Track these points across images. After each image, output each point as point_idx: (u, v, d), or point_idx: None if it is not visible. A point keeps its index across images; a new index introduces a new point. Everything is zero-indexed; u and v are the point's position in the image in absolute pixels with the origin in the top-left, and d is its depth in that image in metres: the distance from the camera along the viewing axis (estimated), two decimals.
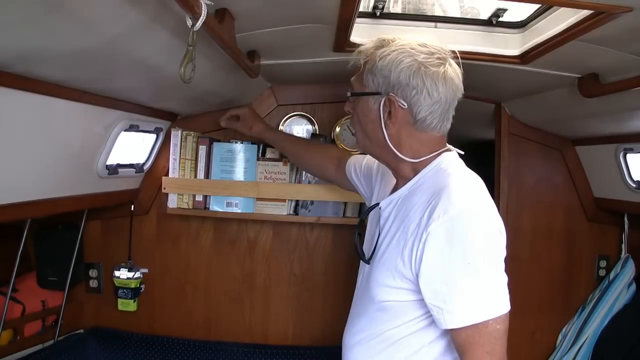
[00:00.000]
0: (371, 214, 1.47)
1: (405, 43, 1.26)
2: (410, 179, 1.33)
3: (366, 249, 1.43)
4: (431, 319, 1.23)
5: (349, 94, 1.38)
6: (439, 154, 1.31)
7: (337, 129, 2.34)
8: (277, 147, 2.13)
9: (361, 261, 1.45)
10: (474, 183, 1.27)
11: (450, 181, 1.23)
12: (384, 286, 1.28)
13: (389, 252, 1.29)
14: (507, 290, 1.17)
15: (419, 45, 1.26)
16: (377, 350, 1.34)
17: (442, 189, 1.20)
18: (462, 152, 1.38)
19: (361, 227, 1.49)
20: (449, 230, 1.15)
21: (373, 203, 1.56)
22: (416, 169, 1.32)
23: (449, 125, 1.32)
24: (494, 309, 1.14)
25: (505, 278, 1.18)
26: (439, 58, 1.26)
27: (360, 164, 1.73)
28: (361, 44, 1.41)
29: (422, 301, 1.22)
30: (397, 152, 1.30)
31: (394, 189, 1.40)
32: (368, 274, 1.37)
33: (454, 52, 1.30)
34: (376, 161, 1.62)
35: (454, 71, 1.28)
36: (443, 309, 1.16)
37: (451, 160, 1.32)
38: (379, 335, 1.33)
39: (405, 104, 1.25)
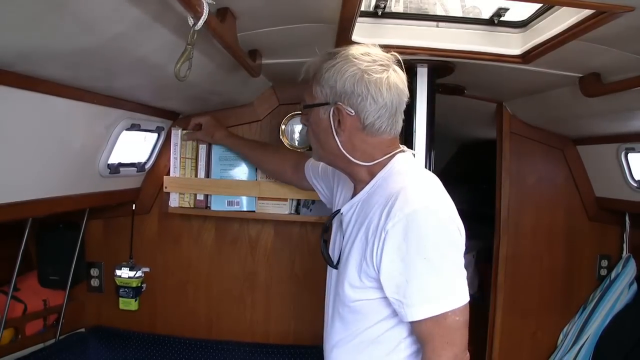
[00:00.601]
0: (334, 220, 1.51)
1: (349, 53, 1.31)
2: (368, 182, 1.37)
3: (332, 254, 1.47)
4: None
5: (301, 106, 1.43)
6: (393, 156, 1.36)
7: None
8: (239, 152, 2.18)
9: (328, 266, 1.49)
10: (429, 182, 1.33)
11: (406, 181, 1.28)
12: (352, 287, 1.32)
13: (353, 254, 1.33)
14: (465, 283, 1.23)
15: (361, 54, 1.30)
16: (357, 351, 1.36)
17: (399, 189, 1.25)
18: (415, 152, 1.43)
19: (326, 234, 1.52)
20: (405, 227, 1.20)
21: (335, 208, 1.60)
22: (372, 172, 1.36)
23: (399, 128, 1.37)
24: (451, 302, 1.20)
25: (463, 272, 1.24)
26: (381, 65, 1.30)
27: (317, 168, 1.78)
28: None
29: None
30: (351, 157, 1.34)
31: (354, 194, 1.44)
32: (337, 278, 1.41)
33: (397, 58, 1.34)
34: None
35: (398, 76, 1.32)
36: (403, 302, 1.22)
37: (405, 160, 1.37)
38: (356, 336, 1.36)
39: (353, 111, 1.30)
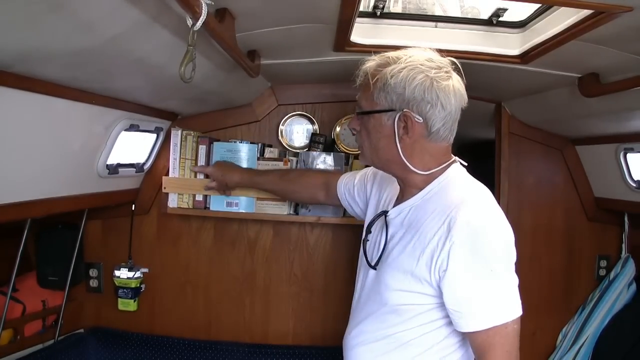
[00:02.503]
0: (377, 221, 1.50)
1: (413, 60, 1.30)
2: (422, 189, 1.37)
3: (371, 254, 1.46)
4: (444, 321, 1.30)
5: (358, 112, 1.41)
6: (449, 165, 1.37)
7: (337, 129, 2.35)
8: (260, 189, 2.13)
9: (361, 266, 1.49)
10: (487, 195, 1.35)
11: (466, 193, 1.31)
12: (399, 290, 1.33)
13: (404, 258, 1.33)
14: (518, 296, 1.27)
15: (426, 60, 1.30)
16: (383, 351, 1.37)
17: (461, 201, 1.27)
18: (466, 164, 1.42)
19: (370, 234, 1.51)
20: (473, 240, 1.22)
21: (370, 212, 1.58)
22: (427, 180, 1.37)
23: (454, 134, 1.38)
24: (512, 311, 1.24)
25: (517, 283, 1.29)
26: (446, 72, 1.31)
27: (353, 183, 1.74)
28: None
29: (440, 305, 1.29)
30: (409, 164, 1.34)
31: (402, 198, 1.43)
32: (375, 278, 1.41)
33: (454, 62, 1.34)
34: (369, 174, 1.67)
35: (459, 82, 1.33)
36: (464, 312, 1.24)
37: (459, 171, 1.39)
38: (387, 337, 1.36)
39: (421, 119, 1.30)
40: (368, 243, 1.50)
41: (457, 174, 1.37)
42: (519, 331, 1.25)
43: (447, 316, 1.29)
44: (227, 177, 2.08)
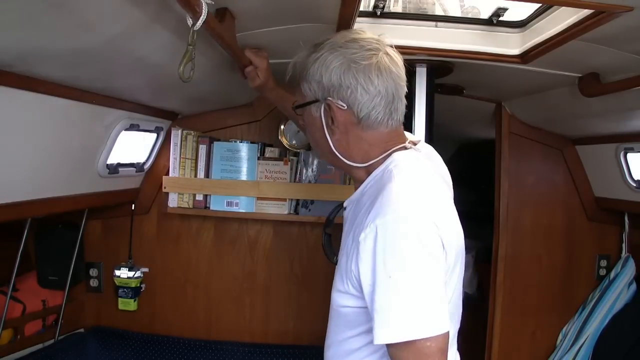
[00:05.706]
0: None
1: (333, 43, 1.19)
2: (364, 181, 1.24)
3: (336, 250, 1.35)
4: None
5: (292, 107, 1.31)
6: (390, 154, 1.21)
7: None
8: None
9: None
10: (415, 187, 1.13)
11: (389, 185, 1.11)
12: (337, 291, 1.20)
13: (342, 256, 1.21)
14: (441, 310, 1.02)
15: (346, 42, 1.18)
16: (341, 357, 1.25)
17: (379, 196, 1.10)
18: (418, 150, 1.26)
19: (329, 228, 1.45)
20: (374, 239, 1.04)
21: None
22: (368, 171, 1.23)
23: (400, 117, 1.23)
24: (421, 329, 0.99)
25: (439, 296, 1.03)
26: (369, 49, 1.17)
27: None
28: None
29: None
30: (345, 159, 1.22)
31: (354, 191, 1.32)
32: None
33: (391, 45, 1.22)
34: None
35: (391, 59, 1.19)
36: (375, 322, 1.04)
37: (402, 159, 1.19)
38: (342, 343, 1.24)
39: (344, 105, 1.17)
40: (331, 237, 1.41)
41: (397, 162, 1.18)
42: (440, 350, 1.00)
43: None
44: (270, 80, 1.72)
